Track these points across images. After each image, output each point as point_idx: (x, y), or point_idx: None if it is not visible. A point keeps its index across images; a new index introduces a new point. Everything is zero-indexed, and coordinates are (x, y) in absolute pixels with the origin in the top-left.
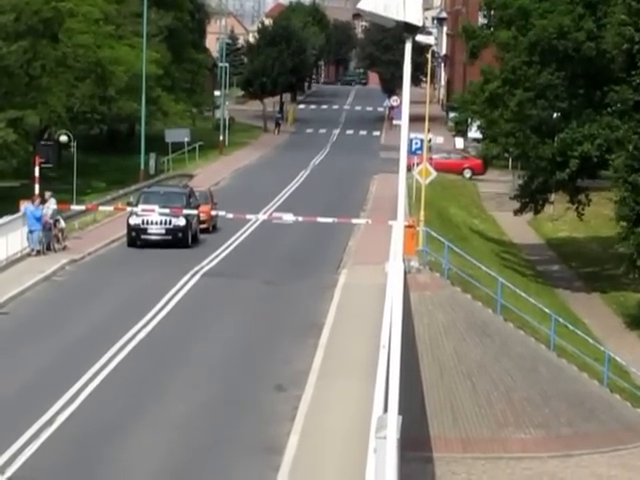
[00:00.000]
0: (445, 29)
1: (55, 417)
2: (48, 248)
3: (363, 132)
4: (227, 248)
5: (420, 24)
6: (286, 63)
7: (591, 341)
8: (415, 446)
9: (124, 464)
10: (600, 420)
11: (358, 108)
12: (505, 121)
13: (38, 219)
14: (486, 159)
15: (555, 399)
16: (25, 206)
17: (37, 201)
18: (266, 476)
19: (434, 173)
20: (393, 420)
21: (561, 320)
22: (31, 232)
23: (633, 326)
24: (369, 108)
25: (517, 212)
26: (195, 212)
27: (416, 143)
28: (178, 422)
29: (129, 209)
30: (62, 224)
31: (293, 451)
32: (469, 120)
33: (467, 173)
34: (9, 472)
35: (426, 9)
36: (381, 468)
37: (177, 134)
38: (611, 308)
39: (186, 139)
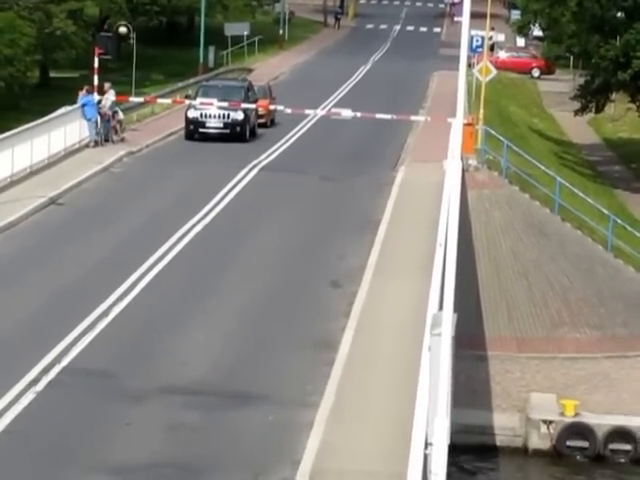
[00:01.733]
0: None
1: (111, 309)
2: (106, 140)
3: (424, 28)
4: (285, 143)
5: None
6: None
7: None
8: (470, 344)
9: (181, 356)
10: None
11: (419, 4)
12: (567, 21)
13: (93, 109)
14: (548, 59)
15: (611, 300)
16: (83, 96)
17: (94, 92)
18: (320, 371)
19: (494, 71)
20: (448, 317)
21: (619, 221)
22: (89, 121)
23: None
24: (430, 4)
25: (577, 112)
26: (253, 106)
27: (477, 40)
28: (234, 315)
29: (187, 102)
30: (120, 116)
31: (347, 347)
32: (531, 22)
33: (535, 72)
34: (64, 362)
35: None
36: (435, 365)
37: (237, 27)
38: None
39: (245, 33)
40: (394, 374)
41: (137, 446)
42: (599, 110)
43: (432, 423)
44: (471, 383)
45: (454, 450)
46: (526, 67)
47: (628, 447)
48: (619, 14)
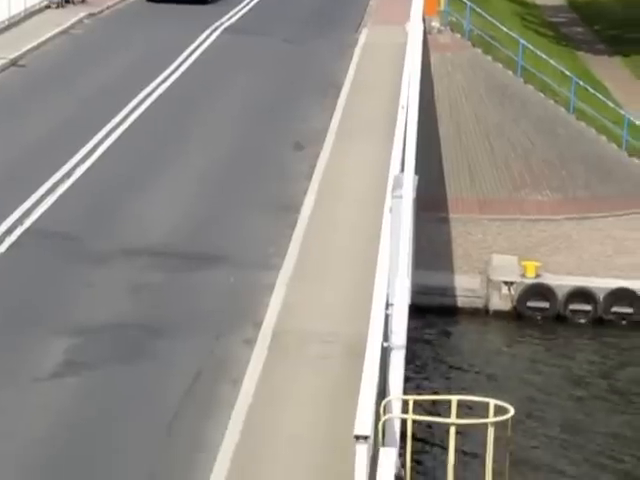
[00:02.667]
0: None
1: (73, 171)
2: (67, 1)
3: None
4: (247, 5)
5: None
6: None
7: (611, 105)
8: (432, 207)
9: (143, 218)
10: (617, 183)
11: None
12: None
13: None
14: None
15: (573, 161)
16: None
17: None
18: (282, 233)
19: None
20: (409, 179)
21: (581, 83)
22: None
23: None
24: None
25: None
26: None
27: None
28: (196, 178)
29: None
30: None
31: (309, 209)
32: None
33: None
34: (27, 223)
35: None
36: (396, 227)
37: None
38: (633, 72)
39: None
40: (356, 236)
41: (100, 307)
42: None
43: (393, 284)
44: (433, 245)
45: (416, 311)
46: None
47: (588, 307)
48: None
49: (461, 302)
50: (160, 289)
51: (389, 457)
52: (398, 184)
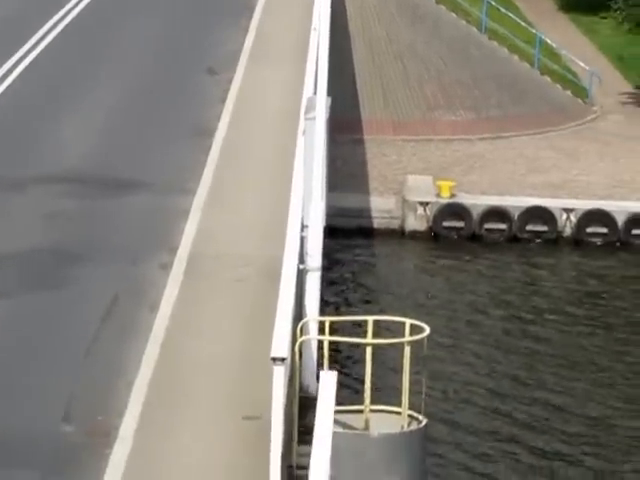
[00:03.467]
0: None
1: None
2: None
3: None
4: None
5: None
6: None
7: (523, 24)
8: (346, 128)
9: (58, 145)
10: (530, 102)
11: None
12: None
13: None
14: None
15: (485, 81)
16: None
17: None
18: (197, 158)
19: None
20: (322, 101)
21: (493, 3)
22: None
23: (565, 8)
24: None
25: None
26: None
27: None
28: (110, 104)
29: None
30: None
31: (224, 133)
32: None
33: None
34: None
35: None
36: (309, 149)
37: None
38: None
39: None
40: (270, 159)
41: (15, 235)
42: None
43: (307, 206)
44: (348, 167)
45: (332, 233)
46: None
47: (503, 226)
48: None
49: (377, 223)
50: (75, 216)
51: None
52: (311, 106)
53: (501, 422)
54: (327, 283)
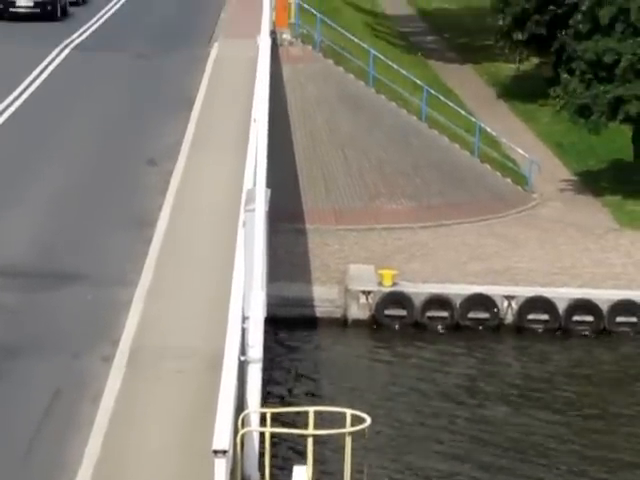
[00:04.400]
0: None
1: None
2: None
3: None
4: (98, 21)
5: None
6: None
7: (463, 112)
8: (288, 218)
9: None
10: (471, 190)
11: None
12: None
13: None
14: None
15: (426, 169)
16: None
17: None
18: (138, 249)
19: None
20: (261, 193)
21: (433, 92)
22: None
23: (504, 97)
24: None
25: None
26: None
27: None
28: (50, 195)
29: None
30: None
31: (165, 224)
32: None
33: None
34: None
35: None
36: (250, 240)
37: None
38: (483, 79)
39: None
40: (211, 250)
41: None
42: None
43: (248, 297)
44: (290, 257)
45: (275, 323)
46: None
47: (445, 314)
48: None
49: (320, 312)
50: (16, 309)
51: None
52: (250, 198)
53: None
54: (269, 374)
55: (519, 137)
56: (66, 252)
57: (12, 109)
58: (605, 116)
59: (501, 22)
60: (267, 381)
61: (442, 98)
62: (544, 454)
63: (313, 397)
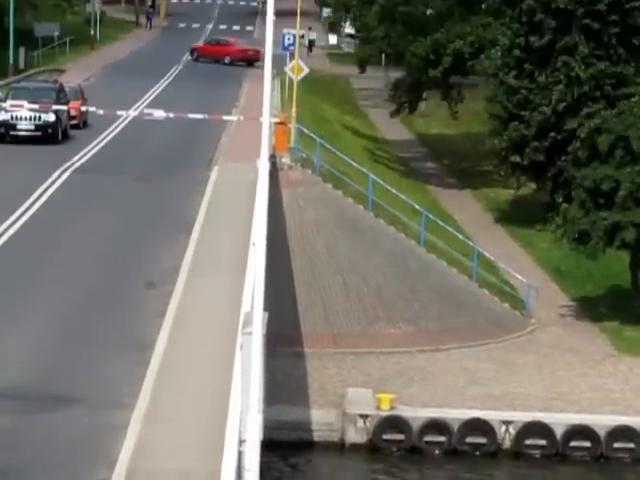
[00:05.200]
0: None
1: None
2: None
3: (236, 27)
4: (98, 144)
5: None
6: None
7: (461, 237)
8: (287, 342)
9: None
10: (469, 315)
11: (232, 2)
12: (378, 22)
13: None
14: (361, 59)
15: (424, 294)
16: None
17: None
18: (136, 372)
19: (306, 69)
20: (258, 316)
21: (431, 216)
22: None
23: (502, 222)
24: (243, 2)
25: (393, 114)
26: (65, 108)
27: (289, 39)
28: (48, 318)
29: None
30: None
31: (163, 347)
32: (342, 18)
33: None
34: None
35: None
36: (247, 363)
37: (46, 28)
38: (481, 204)
39: (56, 33)
40: (209, 373)
41: None
42: (413, 110)
43: (245, 420)
44: (288, 380)
45: (272, 446)
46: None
47: (442, 439)
48: (428, 12)
49: (317, 436)
50: (10, 432)
51: None
52: (248, 321)
53: None
54: None
55: (517, 262)
56: (62, 374)
57: (11, 232)
58: (602, 242)
59: (497, 144)
60: None
61: (440, 222)
62: None
63: None
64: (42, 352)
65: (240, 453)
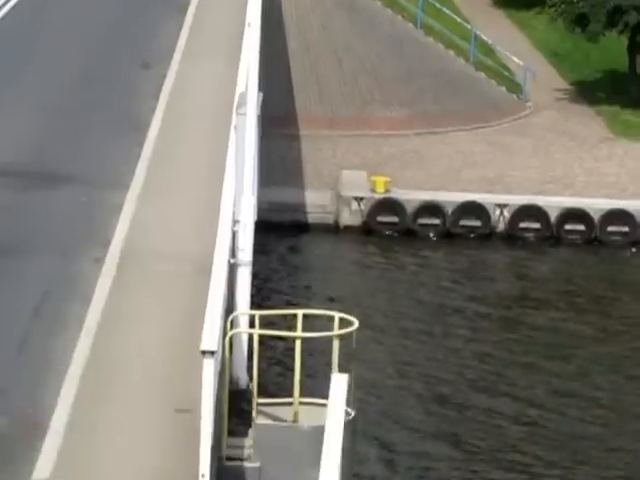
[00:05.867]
0: None
1: None
2: None
3: None
4: None
5: None
6: None
7: (458, 19)
8: (282, 124)
9: None
10: (465, 98)
11: None
12: None
13: None
14: None
15: (421, 77)
16: None
17: None
18: (131, 152)
19: None
20: (253, 97)
21: None
22: None
23: (500, 4)
24: None
25: None
26: None
27: None
28: (45, 96)
29: None
30: None
31: (157, 128)
32: None
33: None
34: None
35: None
36: (241, 144)
37: None
38: None
39: None
40: (203, 155)
41: None
42: None
43: (239, 201)
44: (284, 162)
45: (267, 228)
46: None
47: (437, 221)
48: None
49: (312, 218)
50: (8, 209)
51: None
52: (242, 102)
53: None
54: (259, 277)
55: (514, 45)
56: (59, 153)
57: (6, 9)
58: (602, 25)
59: None
60: (256, 284)
61: (438, 5)
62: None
63: (303, 300)
64: (39, 133)
65: (234, 233)
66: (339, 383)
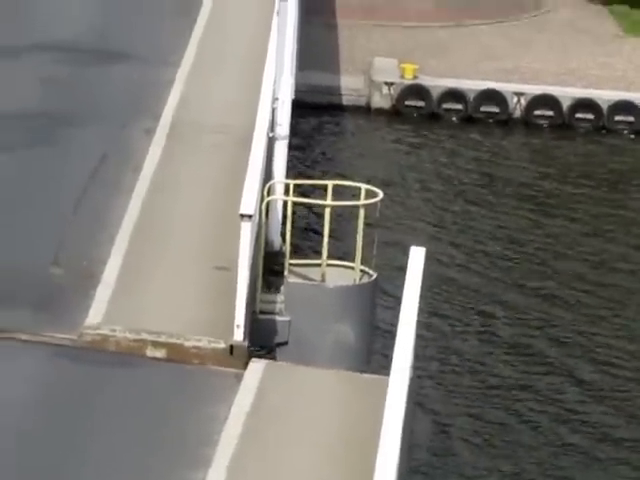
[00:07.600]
0: None
1: None
2: None
3: None
4: None
5: None
6: None
7: None
8: (321, 12)
9: (53, 14)
10: None
11: None
12: None
13: None
14: None
15: None
16: None
17: None
18: (182, 33)
19: None
20: None
21: None
22: None
23: None
24: None
25: None
26: None
27: None
28: None
29: None
30: None
31: (208, 9)
32: None
33: None
34: None
35: None
36: (282, 29)
37: None
38: None
39: None
40: (248, 37)
41: (8, 98)
42: None
43: (279, 81)
44: (321, 49)
45: (305, 107)
46: None
47: (459, 107)
48: None
49: (346, 100)
50: (68, 82)
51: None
52: None
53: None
54: (297, 151)
55: None
56: (115, 32)
57: None
58: None
59: None
60: (293, 158)
61: None
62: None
63: (335, 173)
64: (95, 11)
65: (273, 110)
66: (416, 256)
